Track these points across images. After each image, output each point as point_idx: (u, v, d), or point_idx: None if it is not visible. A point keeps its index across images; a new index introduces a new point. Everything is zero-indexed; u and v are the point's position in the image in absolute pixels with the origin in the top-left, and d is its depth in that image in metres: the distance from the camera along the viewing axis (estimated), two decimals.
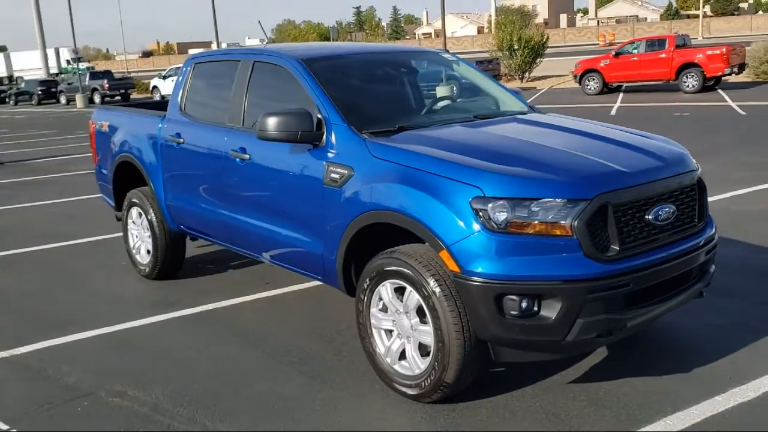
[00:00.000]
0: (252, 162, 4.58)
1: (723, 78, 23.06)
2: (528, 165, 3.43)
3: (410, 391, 3.66)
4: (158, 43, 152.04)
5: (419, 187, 3.49)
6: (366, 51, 5.21)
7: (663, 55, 23.19)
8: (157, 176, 5.64)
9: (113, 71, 45.29)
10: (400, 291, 3.68)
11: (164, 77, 38.19)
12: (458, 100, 5.07)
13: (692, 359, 4.04)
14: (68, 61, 55.64)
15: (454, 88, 5.06)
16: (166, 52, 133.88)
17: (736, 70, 22.91)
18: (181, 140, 5.27)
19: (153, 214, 5.79)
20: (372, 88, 4.79)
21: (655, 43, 23.88)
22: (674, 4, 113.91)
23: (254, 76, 4.79)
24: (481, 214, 3.27)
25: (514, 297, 3.22)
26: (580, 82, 25.04)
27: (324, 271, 4.20)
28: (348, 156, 3.95)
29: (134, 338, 4.87)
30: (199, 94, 5.38)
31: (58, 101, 42.00)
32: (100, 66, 77.53)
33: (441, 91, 5.06)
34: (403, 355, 3.75)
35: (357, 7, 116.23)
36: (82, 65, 47.88)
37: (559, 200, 3.23)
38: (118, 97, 39.80)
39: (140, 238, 6.13)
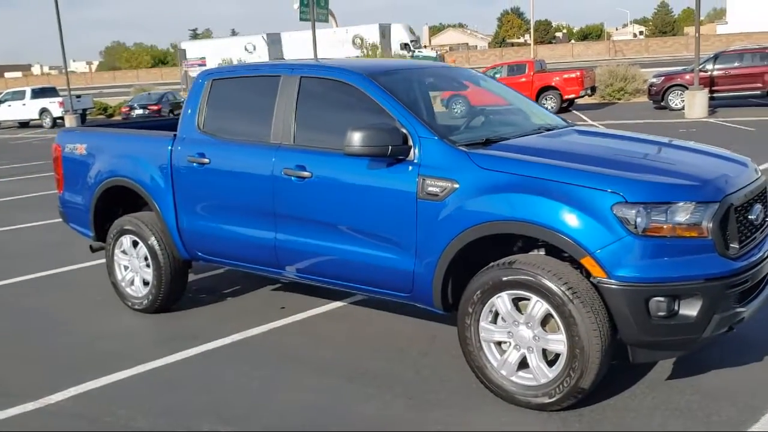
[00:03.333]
0: (314, 180, 4.40)
1: (576, 100, 25.03)
2: (655, 171, 3.63)
3: (536, 400, 3.68)
4: None
5: (551, 196, 3.55)
6: (412, 67, 5.19)
7: (523, 79, 24.74)
8: (166, 200, 5.24)
9: None
10: (517, 302, 3.71)
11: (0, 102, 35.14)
12: (504, 114, 5.20)
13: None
14: None
15: (513, 104, 5.20)
16: None
17: (589, 92, 24.95)
18: (206, 160, 4.95)
19: (156, 242, 5.37)
20: (431, 103, 4.78)
21: (516, 68, 25.47)
22: (500, 33, 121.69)
23: (304, 92, 4.62)
24: (623, 219, 3.39)
25: (661, 298, 3.36)
26: (447, 107, 26.07)
27: (413, 288, 4.12)
28: (449, 169, 3.92)
29: (179, 374, 4.48)
30: (224, 112, 5.08)
31: None
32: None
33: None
34: (521, 366, 3.76)
35: (194, 29, 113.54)
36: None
37: (693, 203, 3.43)
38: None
39: (133, 269, 5.65)
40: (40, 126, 33.78)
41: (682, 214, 3.42)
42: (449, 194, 3.87)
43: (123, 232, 5.59)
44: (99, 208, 5.76)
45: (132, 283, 5.69)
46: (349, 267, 4.40)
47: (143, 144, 5.48)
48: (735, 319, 3.54)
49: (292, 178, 4.49)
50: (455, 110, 5.70)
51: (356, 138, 3.96)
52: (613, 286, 3.40)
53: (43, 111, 33.74)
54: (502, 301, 3.73)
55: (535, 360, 3.70)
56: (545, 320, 3.63)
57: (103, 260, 5.91)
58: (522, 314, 3.70)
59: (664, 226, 3.40)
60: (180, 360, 4.70)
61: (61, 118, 32.17)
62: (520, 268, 3.61)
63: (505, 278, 3.67)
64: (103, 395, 4.22)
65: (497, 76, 25.39)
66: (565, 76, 24.34)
